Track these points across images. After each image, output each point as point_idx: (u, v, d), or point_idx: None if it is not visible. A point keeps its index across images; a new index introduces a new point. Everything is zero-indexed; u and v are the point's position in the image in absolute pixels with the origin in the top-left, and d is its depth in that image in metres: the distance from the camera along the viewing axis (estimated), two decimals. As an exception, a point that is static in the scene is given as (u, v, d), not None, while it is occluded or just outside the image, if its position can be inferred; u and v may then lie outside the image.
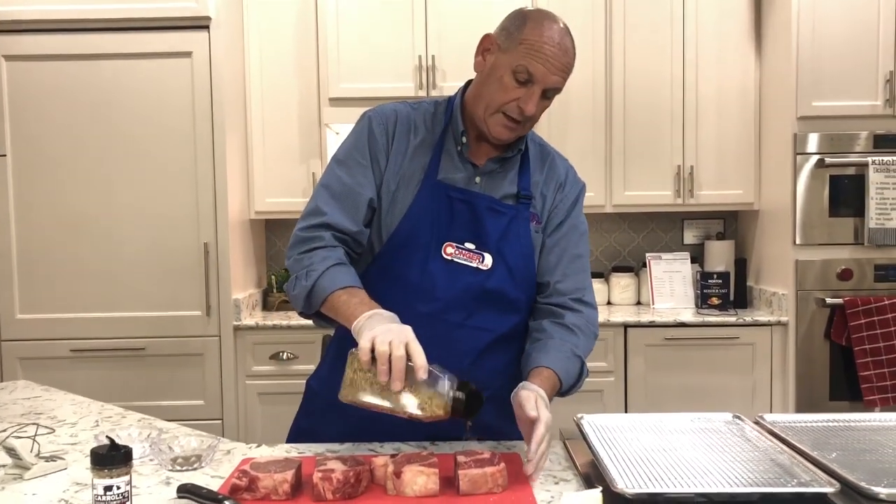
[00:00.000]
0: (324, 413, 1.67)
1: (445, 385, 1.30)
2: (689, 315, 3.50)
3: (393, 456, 1.34)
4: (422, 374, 1.28)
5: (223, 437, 3.30)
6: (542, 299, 1.66)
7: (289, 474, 1.27)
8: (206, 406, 3.27)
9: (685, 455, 1.39)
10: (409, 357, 1.28)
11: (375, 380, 1.31)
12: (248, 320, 3.32)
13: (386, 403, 1.32)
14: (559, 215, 1.68)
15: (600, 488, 1.11)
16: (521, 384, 1.42)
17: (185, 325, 3.25)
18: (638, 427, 1.56)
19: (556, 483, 1.37)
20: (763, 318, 3.38)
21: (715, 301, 3.60)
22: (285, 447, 1.58)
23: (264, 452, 1.55)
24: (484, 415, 1.47)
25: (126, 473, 1.14)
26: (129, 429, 1.63)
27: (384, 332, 1.31)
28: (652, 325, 3.38)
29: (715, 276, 3.63)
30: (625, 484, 1.21)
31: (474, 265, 1.59)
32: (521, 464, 1.44)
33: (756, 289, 3.67)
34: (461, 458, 1.31)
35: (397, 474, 1.27)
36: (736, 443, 1.45)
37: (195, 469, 1.45)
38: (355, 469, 1.28)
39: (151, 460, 1.48)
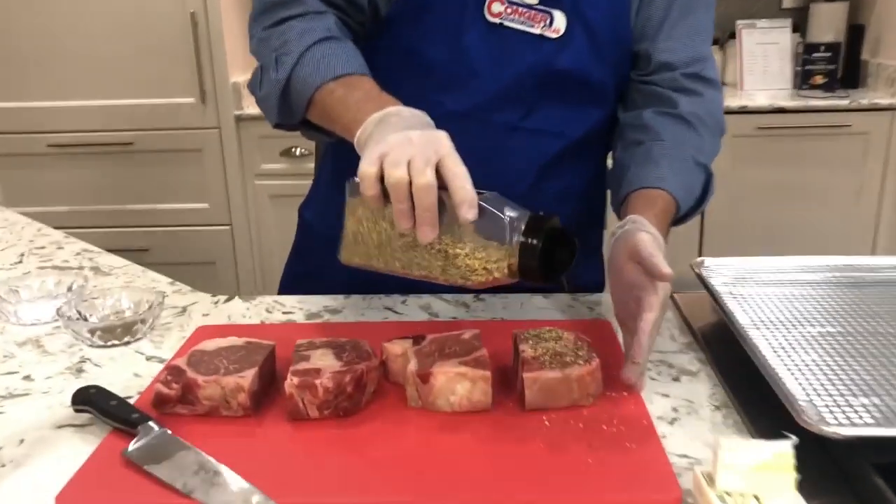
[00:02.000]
0: (322, 253, 1.16)
1: (506, 226, 0.75)
2: (787, 98, 2.86)
3: (417, 340, 0.84)
4: (467, 213, 0.73)
5: (235, 246, 2.88)
6: (640, 77, 1.08)
7: (248, 376, 0.78)
8: (212, 210, 2.82)
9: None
10: (442, 184, 0.74)
11: (392, 229, 0.78)
12: (251, 109, 2.76)
13: (413, 268, 0.79)
14: None
15: (793, 439, 0.60)
16: (630, 219, 0.89)
17: (177, 115, 2.71)
18: (792, 277, 1.03)
19: (675, 379, 0.87)
20: (883, 101, 2.73)
21: (819, 80, 2.94)
22: (266, 303, 1.10)
23: (236, 313, 1.07)
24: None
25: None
26: (48, 276, 1.14)
27: (400, 145, 0.75)
28: (742, 111, 2.75)
29: (822, 48, 2.93)
30: (819, 411, 0.70)
31: (536, 31, 1.00)
32: (611, 336, 0.94)
33: (873, 64, 2.97)
34: (527, 351, 0.80)
35: (424, 377, 0.78)
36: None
37: (126, 344, 0.98)
38: (354, 370, 0.78)
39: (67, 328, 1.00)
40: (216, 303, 1.10)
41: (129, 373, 0.90)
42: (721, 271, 1.03)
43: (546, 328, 0.85)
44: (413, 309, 1.06)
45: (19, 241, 1.40)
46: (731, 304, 0.94)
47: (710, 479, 0.62)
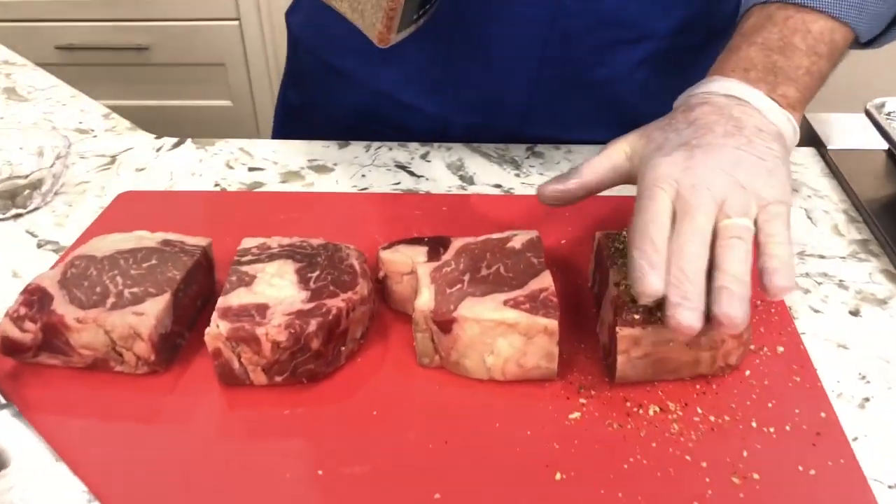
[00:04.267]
0: (316, 79, 0.82)
1: None
2: None
3: (433, 250, 0.51)
4: None
5: (245, 45, 2.50)
6: None
7: (150, 312, 0.46)
8: (216, 1, 2.41)
9: None
10: None
11: None
12: None
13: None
14: None
15: None
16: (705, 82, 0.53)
17: None
18: None
19: (854, 312, 0.53)
20: None
21: None
22: (229, 151, 0.76)
23: (182, 167, 0.74)
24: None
25: None
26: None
27: None
28: None
29: None
30: None
31: None
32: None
33: None
34: (623, 284, 0.47)
35: (444, 324, 0.45)
36: None
37: (16, 217, 0.67)
38: (324, 310, 0.46)
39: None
40: (159, 149, 0.77)
41: (5, 269, 0.60)
42: (915, 121, 0.66)
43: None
44: (437, 167, 0.72)
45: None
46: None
47: None
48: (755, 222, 0.43)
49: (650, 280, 0.40)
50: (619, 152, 0.50)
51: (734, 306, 0.39)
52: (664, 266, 0.41)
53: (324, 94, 0.81)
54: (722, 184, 0.43)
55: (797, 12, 0.52)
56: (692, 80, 0.58)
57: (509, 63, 0.70)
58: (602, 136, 0.75)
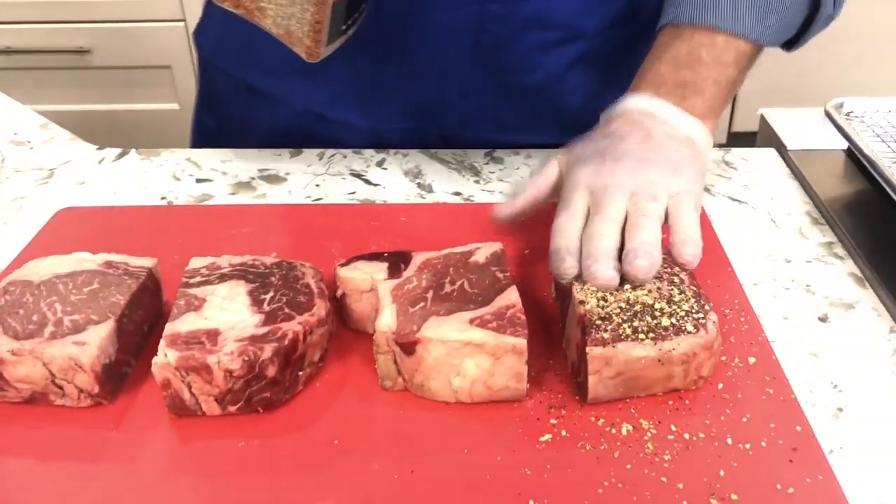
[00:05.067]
0: (231, 101, 0.79)
1: None
2: None
3: (394, 266, 0.49)
4: None
5: (191, 46, 2.44)
6: None
7: (92, 342, 0.43)
8: (160, 1, 2.35)
9: None
10: None
11: None
12: None
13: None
14: None
15: None
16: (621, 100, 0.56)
17: None
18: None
19: (822, 318, 0.53)
20: None
21: None
22: (175, 162, 0.73)
23: (127, 181, 0.70)
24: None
25: None
26: None
27: None
28: None
29: None
30: None
31: None
32: (712, 239, 0.59)
33: None
34: (589, 303, 0.45)
35: (407, 346, 0.43)
36: None
37: (-55, 239, 0.63)
38: (280, 335, 0.43)
39: None
40: (101, 161, 0.74)
41: (-65, 295, 0.56)
42: (875, 118, 0.66)
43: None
44: (394, 176, 0.70)
45: None
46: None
47: None
48: (666, 211, 0.47)
49: (568, 262, 0.45)
50: (553, 168, 0.55)
51: (640, 258, 0.43)
52: (578, 253, 0.46)
53: (242, 115, 0.78)
54: (631, 182, 0.48)
55: (703, 28, 0.56)
56: (627, 76, 0.58)
57: (438, 72, 0.69)
58: (544, 137, 0.73)
